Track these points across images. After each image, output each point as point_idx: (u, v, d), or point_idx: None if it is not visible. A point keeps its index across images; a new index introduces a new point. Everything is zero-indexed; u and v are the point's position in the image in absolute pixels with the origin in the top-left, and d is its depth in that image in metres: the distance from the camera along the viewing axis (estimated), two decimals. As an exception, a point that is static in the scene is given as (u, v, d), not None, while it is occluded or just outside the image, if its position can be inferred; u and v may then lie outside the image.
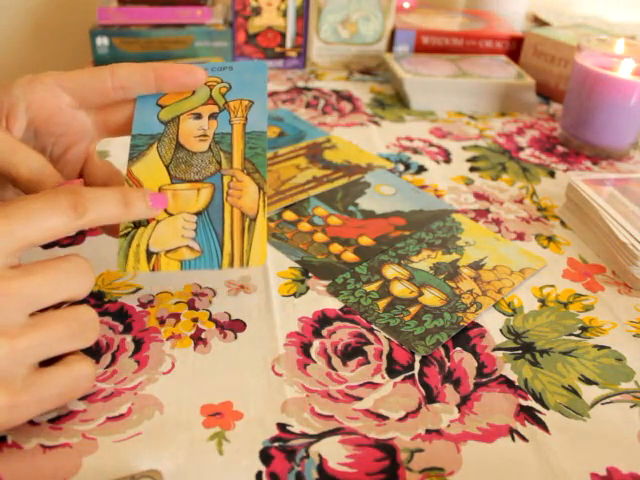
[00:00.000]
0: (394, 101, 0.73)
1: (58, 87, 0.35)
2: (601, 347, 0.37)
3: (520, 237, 0.47)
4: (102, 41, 0.74)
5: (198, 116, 0.37)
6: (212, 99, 0.38)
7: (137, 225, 0.33)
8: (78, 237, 0.44)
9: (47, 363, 0.28)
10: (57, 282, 0.27)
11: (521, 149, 0.62)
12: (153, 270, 0.32)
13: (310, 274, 0.41)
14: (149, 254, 0.32)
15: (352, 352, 0.35)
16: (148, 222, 0.33)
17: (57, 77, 0.35)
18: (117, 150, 0.55)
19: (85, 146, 0.38)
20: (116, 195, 0.30)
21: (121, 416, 0.30)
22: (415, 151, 0.60)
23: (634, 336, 0.38)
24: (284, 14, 0.77)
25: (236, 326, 0.37)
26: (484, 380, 0.34)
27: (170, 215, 0.33)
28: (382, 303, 0.39)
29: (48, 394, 0.27)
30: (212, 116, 0.37)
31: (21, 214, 0.27)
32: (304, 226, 0.46)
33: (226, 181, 0.35)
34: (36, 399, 0.27)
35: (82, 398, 0.31)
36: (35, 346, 0.26)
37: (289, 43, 0.80)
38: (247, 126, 0.37)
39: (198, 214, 0.34)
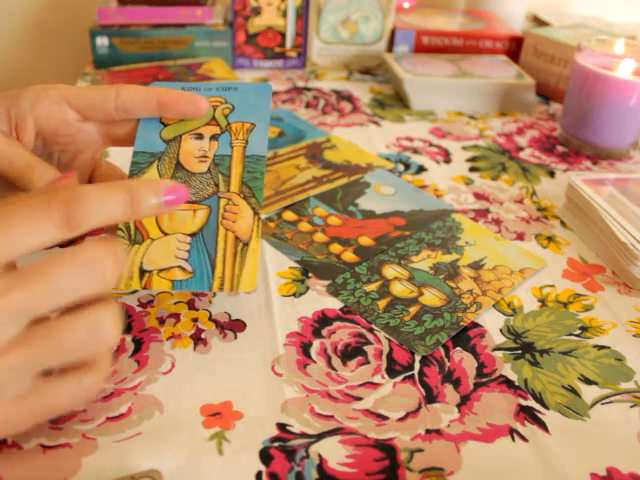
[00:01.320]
0: (394, 101, 0.73)
1: (64, 102, 0.36)
2: (601, 347, 0.37)
3: (520, 237, 0.47)
4: (102, 41, 0.74)
5: (200, 136, 0.38)
6: (215, 120, 0.38)
7: (132, 242, 0.34)
8: (78, 239, 0.43)
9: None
10: (55, 284, 0.24)
11: (521, 149, 0.62)
12: (145, 288, 0.33)
13: (310, 274, 0.41)
14: (142, 272, 0.33)
15: (352, 352, 0.35)
16: (143, 239, 0.34)
17: (64, 91, 0.36)
18: (117, 150, 0.55)
19: (91, 154, 0.39)
20: (121, 195, 0.27)
21: (121, 416, 0.30)
22: (415, 151, 0.60)
23: (634, 336, 0.38)
24: (284, 14, 0.77)
25: (236, 326, 0.37)
26: (484, 380, 0.34)
27: (165, 235, 0.34)
28: (382, 303, 0.39)
29: (41, 409, 0.26)
30: (213, 137, 0.38)
31: (2, 226, 0.24)
32: (304, 226, 0.46)
33: (222, 204, 0.35)
34: (25, 415, 0.25)
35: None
36: (20, 366, 0.24)
37: (289, 43, 0.80)
38: (247, 149, 0.38)
39: (193, 235, 0.34)
